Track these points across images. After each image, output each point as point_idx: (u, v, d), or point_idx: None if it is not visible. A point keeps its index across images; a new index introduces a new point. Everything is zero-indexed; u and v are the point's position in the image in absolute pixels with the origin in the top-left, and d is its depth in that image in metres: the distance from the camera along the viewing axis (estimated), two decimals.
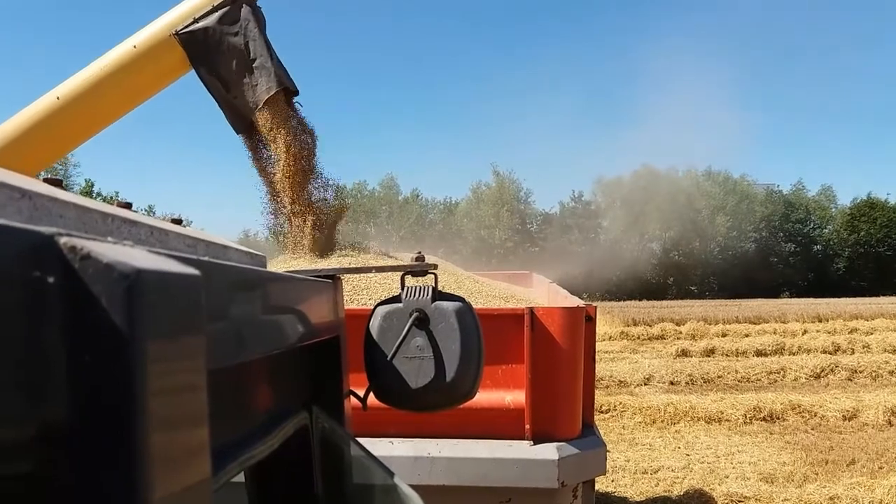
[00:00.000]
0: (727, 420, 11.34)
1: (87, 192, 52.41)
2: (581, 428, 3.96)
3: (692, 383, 15.02)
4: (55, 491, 0.42)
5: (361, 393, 1.52)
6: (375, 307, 1.59)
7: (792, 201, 73.43)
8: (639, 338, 23.82)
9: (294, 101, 7.21)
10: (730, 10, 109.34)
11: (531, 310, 3.79)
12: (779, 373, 15.69)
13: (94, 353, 0.42)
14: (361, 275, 5.46)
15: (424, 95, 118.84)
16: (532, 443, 3.73)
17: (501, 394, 3.80)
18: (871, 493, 7.44)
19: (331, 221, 7.35)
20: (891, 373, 15.47)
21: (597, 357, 4.47)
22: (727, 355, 18.72)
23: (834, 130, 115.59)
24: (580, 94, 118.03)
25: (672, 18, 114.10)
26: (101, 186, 59.87)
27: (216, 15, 6.75)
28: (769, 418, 11.42)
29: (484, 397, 3.49)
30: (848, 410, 11.50)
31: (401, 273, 1.65)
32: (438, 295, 1.56)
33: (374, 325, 1.57)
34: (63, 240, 0.43)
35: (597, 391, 4.72)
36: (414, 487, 1.32)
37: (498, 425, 3.76)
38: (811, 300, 43.47)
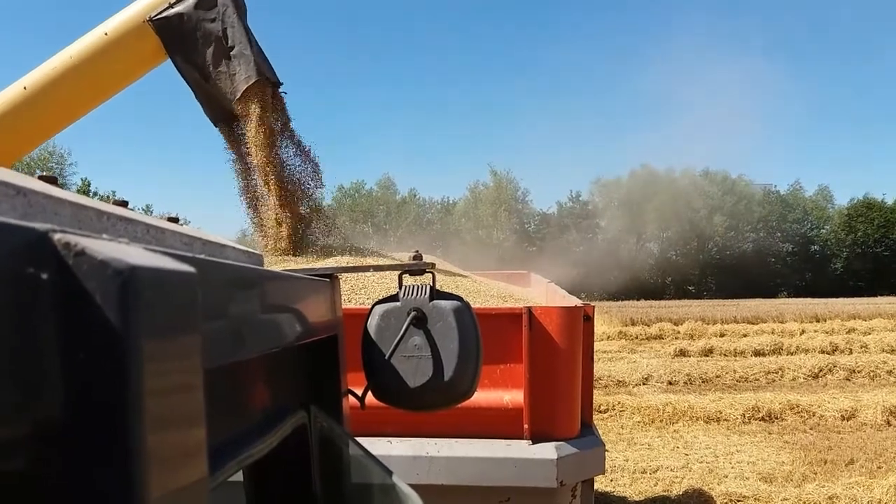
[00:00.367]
0: (726, 420, 11.35)
1: (84, 191, 52.28)
2: (580, 427, 3.96)
3: (690, 383, 15.03)
4: (49, 489, 0.42)
5: (360, 392, 1.52)
6: (373, 306, 1.58)
7: (789, 201, 73.58)
8: (637, 338, 23.84)
9: (280, 91, 6.92)
10: (729, 12, 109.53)
11: (529, 309, 3.79)
12: (777, 373, 15.71)
13: (88, 350, 0.42)
14: (359, 274, 5.46)
15: (421, 95, 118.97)
16: (531, 442, 3.72)
17: (500, 393, 3.80)
18: (870, 493, 7.44)
19: (311, 219, 7.15)
20: (889, 372, 15.49)
21: (595, 357, 4.46)
22: (725, 355, 18.74)
23: (831, 131, 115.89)
24: (577, 95, 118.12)
25: (671, 19, 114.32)
26: (98, 185, 59.83)
27: (192, 0, 6.43)
28: (768, 418, 11.43)
29: (482, 397, 3.49)
30: (846, 410, 11.51)
31: (398, 272, 1.65)
32: (436, 294, 1.56)
33: (372, 324, 1.56)
34: (57, 236, 0.43)
35: (595, 391, 4.72)
36: (412, 487, 1.32)
37: (496, 425, 3.75)
38: (809, 300, 43.53)
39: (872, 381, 15.17)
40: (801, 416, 11.51)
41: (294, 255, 6.71)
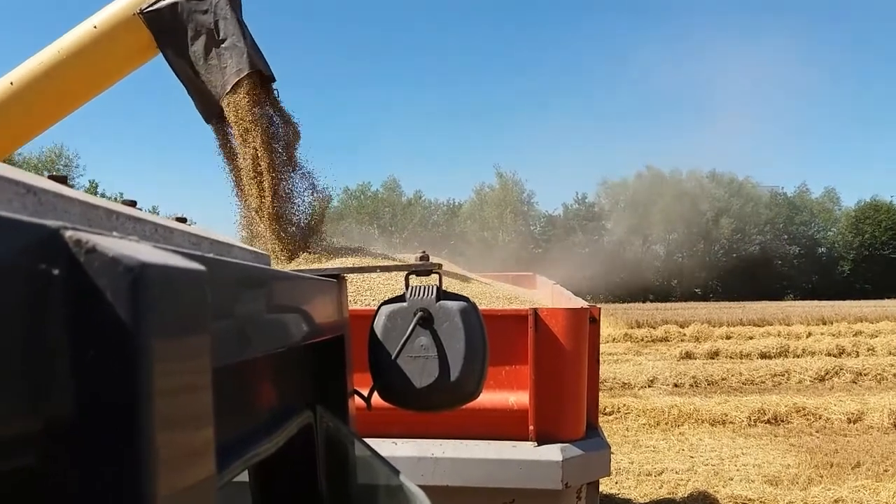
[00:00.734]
0: (731, 422, 11.31)
1: (92, 192, 52.41)
2: (585, 429, 3.95)
3: (696, 385, 14.98)
4: (57, 487, 0.42)
5: (366, 392, 1.52)
6: (380, 306, 1.58)
7: (796, 204, 73.32)
8: (643, 340, 23.78)
9: (273, 87, 6.64)
10: (732, 13, 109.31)
11: (535, 311, 3.79)
12: (783, 375, 15.65)
13: (99, 347, 0.42)
14: (365, 276, 5.46)
15: (426, 97, 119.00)
16: (536, 444, 3.72)
17: (505, 395, 3.80)
18: (877, 496, 7.41)
19: (306, 223, 6.89)
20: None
21: (601, 359, 4.46)
22: (731, 357, 18.68)
23: (838, 132, 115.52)
24: (583, 96, 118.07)
25: (673, 20, 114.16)
26: (106, 188, 60.02)
27: None
28: (773, 421, 11.39)
29: (487, 398, 3.49)
30: (853, 413, 11.46)
31: (405, 273, 1.65)
32: (443, 294, 1.56)
33: (379, 324, 1.56)
34: (69, 233, 0.43)
35: (600, 393, 4.71)
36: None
37: (502, 426, 3.75)
38: (815, 303, 43.35)
39: (879, 384, 15.10)
40: (808, 419, 11.46)
41: (289, 259, 6.52)
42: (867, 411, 11.51)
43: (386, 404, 1.56)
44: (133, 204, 0.94)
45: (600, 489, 4.36)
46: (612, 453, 4.19)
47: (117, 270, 0.42)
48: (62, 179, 0.74)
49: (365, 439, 1.38)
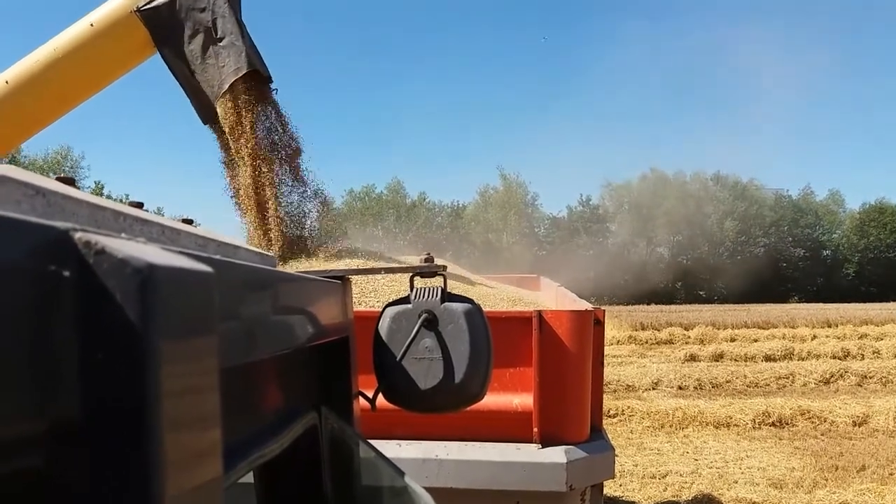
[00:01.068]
0: (736, 425, 11.28)
1: (98, 194, 52.54)
2: (589, 432, 3.95)
3: (700, 388, 14.94)
4: (65, 489, 0.42)
5: (370, 394, 1.52)
6: (385, 308, 1.58)
7: (801, 206, 73.20)
8: (647, 342, 23.76)
9: (271, 89, 6.54)
10: (734, 13, 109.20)
11: (539, 313, 3.78)
12: (788, 378, 15.61)
13: (108, 348, 0.42)
14: (369, 278, 5.46)
15: (431, 99, 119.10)
16: (540, 446, 3.72)
17: (509, 397, 3.79)
18: (882, 500, 7.39)
19: (307, 232, 6.81)
20: None
21: (605, 361, 4.45)
22: (736, 360, 18.64)
23: (842, 134, 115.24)
24: (587, 98, 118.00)
25: (676, 21, 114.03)
26: (111, 189, 60.18)
27: None
28: (778, 423, 11.35)
29: (492, 400, 3.48)
30: (858, 416, 11.43)
31: (409, 275, 1.65)
32: (447, 296, 1.56)
33: (384, 325, 1.56)
34: (78, 235, 0.43)
35: (605, 395, 4.70)
36: None
37: (506, 428, 3.75)
38: (820, 305, 43.27)
39: (884, 386, 15.05)
40: (812, 422, 11.43)
41: (283, 261, 6.43)
42: (872, 414, 11.47)
43: (390, 406, 1.56)
44: (140, 206, 0.94)
45: (604, 491, 4.35)
46: (617, 456, 4.19)
47: (126, 272, 0.42)
48: (70, 181, 0.74)
49: (369, 440, 1.38)
